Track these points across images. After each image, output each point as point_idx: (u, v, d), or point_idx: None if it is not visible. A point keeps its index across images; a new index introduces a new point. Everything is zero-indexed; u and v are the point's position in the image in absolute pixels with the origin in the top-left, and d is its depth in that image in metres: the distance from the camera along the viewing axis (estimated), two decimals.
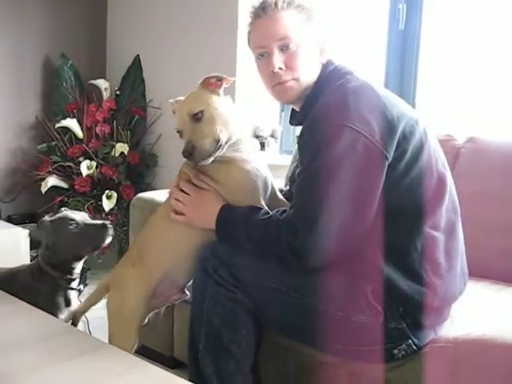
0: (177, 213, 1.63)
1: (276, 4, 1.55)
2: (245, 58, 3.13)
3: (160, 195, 2.14)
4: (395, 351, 1.46)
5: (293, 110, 1.69)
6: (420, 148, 1.46)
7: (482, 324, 1.49)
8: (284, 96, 1.60)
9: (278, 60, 1.54)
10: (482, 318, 1.55)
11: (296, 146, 1.81)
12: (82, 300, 2.81)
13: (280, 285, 1.48)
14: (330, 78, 1.53)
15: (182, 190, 1.63)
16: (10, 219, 3.32)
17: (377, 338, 1.45)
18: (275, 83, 1.58)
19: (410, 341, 1.45)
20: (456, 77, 2.62)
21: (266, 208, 1.55)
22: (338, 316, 1.45)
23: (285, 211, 1.48)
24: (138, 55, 3.62)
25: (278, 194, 1.73)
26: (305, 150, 1.47)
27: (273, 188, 1.69)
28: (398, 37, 2.67)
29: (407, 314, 1.44)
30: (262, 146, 3.10)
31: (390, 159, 1.40)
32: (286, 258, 1.45)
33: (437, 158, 1.51)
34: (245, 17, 3.07)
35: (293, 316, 1.49)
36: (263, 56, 1.59)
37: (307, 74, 1.56)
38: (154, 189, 3.35)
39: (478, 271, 1.74)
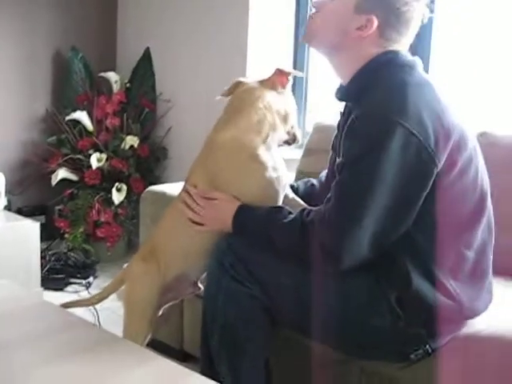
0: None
1: None
2: (256, 51, 3.12)
3: (170, 189, 2.14)
4: (412, 356, 1.44)
5: (340, 84, 1.59)
6: (469, 162, 1.41)
7: (495, 322, 1.48)
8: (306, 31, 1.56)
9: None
10: (496, 317, 1.52)
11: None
12: (92, 292, 2.84)
13: (298, 283, 1.46)
14: (390, 65, 1.44)
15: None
16: (20, 211, 3.33)
17: (394, 342, 1.44)
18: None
19: (428, 346, 1.43)
20: (468, 71, 2.60)
21: (288, 208, 1.51)
22: (358, 318, 1.43)
23: (310, 212, 1.43)
24: (148, 48, 3.62)
25: (290, 193, 1.69)
26: (352, 142, 1.39)
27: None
28: None
29: (428, 322, 1.41)
30: None
31: (439, 168, 1.35)
32: (314, 260, 1.40)
33: (482, 175, 1.47)
34: (255, 11, 3.08)
35: (309, 315, 1.46)
36: None
37: (338, 49, 1.49)
38: (163, 182, 3.35)
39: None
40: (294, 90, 3.10)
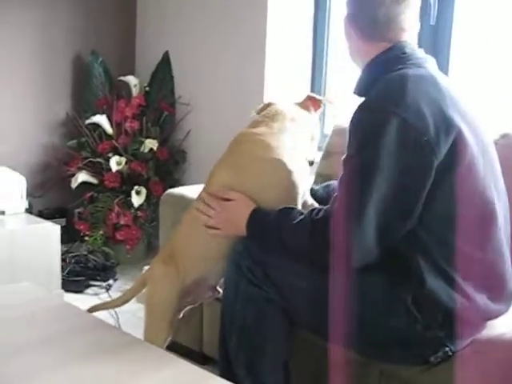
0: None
1: None
2: (274, 54, 3.12)
3: (190, 191, 2.15)
4: (431, 358, 1.43)
5: None
6: (478, 157, 1.39)
7: None
8: None
9: None
10: None
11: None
12: (112, 295, 2.86)
13: (313, 286, 1.46)
14: (392, 61, 1.46)
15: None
16: (40, 214, 3.36)
17: (413, 345, 1.43)
18: None
19: (447, 348, 1.42)
20: (489, 72, 2.57)
21: (299, 208, 1.51)
22: (375, 321, 1.43)
23: (320, 210, 1.42)
24: (167, 51, 3.63)
25: (309, 199, 1.70)
26: (352, 136, 1.41)
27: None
28: (429, 32, 2.62)
29: (446, 323, 1.40)
30: None
31: (439, 159, 1.33)
32: (324, 258, 1.38)
33: (495, 172, 1.46)
34: (274, 14, 3.08)
35: (326, 317, 1.45)
36: None
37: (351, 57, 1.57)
38: (182, 185, 3.36)
39: None
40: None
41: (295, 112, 1.66)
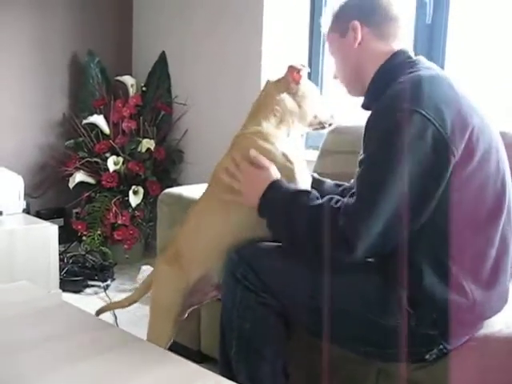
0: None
1: None
2: (271, 53, 3.13)
3: (187, 191, 2.15)
4: (427, 356, 1.43)
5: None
6: (489, 151, 1.38)
7: None
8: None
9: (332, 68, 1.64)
10: None
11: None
12: (110, 295, 2.86)
13: (309, 289, 1.45)
14: (401, 66, 1.47)
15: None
16: (38, 214, 3.37)
17: (408, 343, 1.42)
18: None
19: (442, 346, 1.42)
20: (484, 72, 2.58)
21: (316, 193, 1.48)
22: (369, 319, 1.43)
23: (338, 201, 1.40)
24: (163, 51, 3.64)
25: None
26: (370, 136, 1.40)
27: None
28: (424, 31, 2.64)
29: (440, 322, 1.39)
30: None
31: (456, 157, 1.33)
32: (330, 246, 1.37)
33: (504, 168, 1.45)
34: (270, 13, 3.08)
35: (322, 319, 1.45)
36: None
37: (356, 74, 1.56)
38: (179, 184, 3.37)
39: None
40: None
41: (276, 103, 1.65)
